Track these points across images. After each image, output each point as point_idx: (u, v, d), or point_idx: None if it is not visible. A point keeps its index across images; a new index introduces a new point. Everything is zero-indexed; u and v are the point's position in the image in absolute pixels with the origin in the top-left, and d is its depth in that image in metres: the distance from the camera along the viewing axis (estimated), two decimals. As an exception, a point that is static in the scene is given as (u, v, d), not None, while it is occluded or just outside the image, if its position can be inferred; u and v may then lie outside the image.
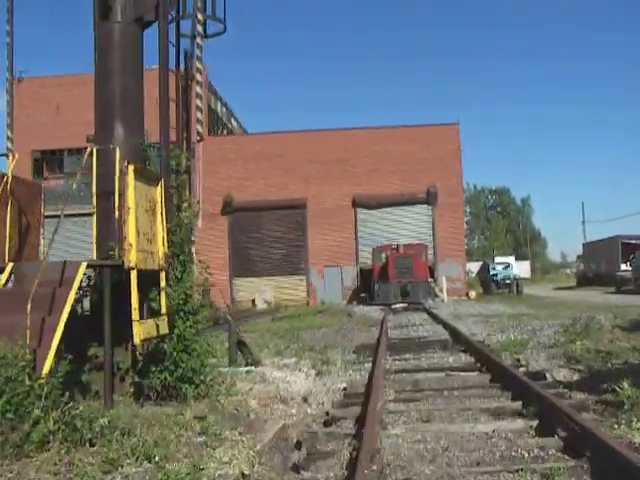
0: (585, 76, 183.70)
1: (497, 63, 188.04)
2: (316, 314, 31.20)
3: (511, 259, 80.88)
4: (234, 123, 60.46)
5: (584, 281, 66.70)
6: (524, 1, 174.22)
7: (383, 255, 40.99)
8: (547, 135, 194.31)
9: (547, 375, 10.59)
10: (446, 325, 20.31)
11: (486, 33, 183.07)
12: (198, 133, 10.57)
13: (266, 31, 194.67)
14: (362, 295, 45.37)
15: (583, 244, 72.99)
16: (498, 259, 76.25)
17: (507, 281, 51.14)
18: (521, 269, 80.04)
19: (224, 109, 56.75)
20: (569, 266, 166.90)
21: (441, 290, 43.25)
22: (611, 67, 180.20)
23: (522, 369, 11.27)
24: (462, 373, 11.23)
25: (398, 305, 35.79)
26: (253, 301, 47.12)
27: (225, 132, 56.47)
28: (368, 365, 12.42)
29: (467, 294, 46.76)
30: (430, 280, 39.20)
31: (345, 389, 10.30)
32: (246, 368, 11.05)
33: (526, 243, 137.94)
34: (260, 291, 47.16)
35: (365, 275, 45.20)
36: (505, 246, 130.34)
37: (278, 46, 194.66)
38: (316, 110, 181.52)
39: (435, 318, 24.37)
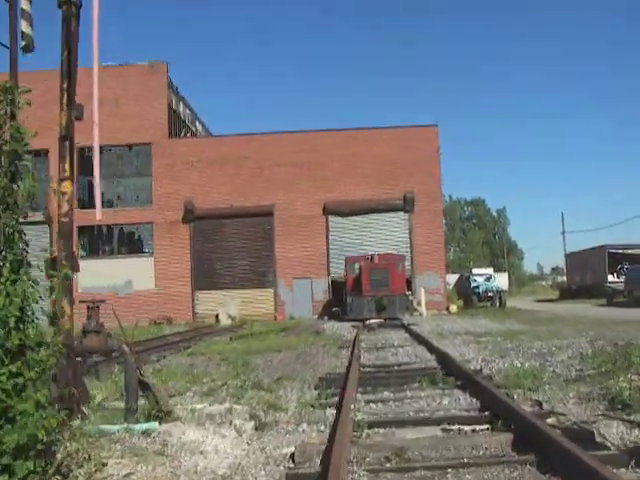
0: (558, 85, 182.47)
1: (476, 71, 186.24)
2: (280, 332, 27.56)
3: (489, 271, 77.74)
4: (199, 126, 56.82)
5: (567, 293, 63.71)
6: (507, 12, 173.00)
7: (356, 266, 37.49)
8: (522, 146, 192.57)
9: (594, 432, 7.06)
10: (431, 347, 16.76)
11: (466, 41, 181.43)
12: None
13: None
14: (334, 309, 41.83)
15: (566, 255, 70.09)
16: (476, 270, 73.20)
17: (489, 294, 47.90)
18: (499, 281, 77.00)
19: (187, 110, 53.10)
20: (545, 278, 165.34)
21: (419, 304, 39.82)
22: (589, 73, 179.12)
23: (550, 420, 7.78)
24: (467, 428, 7.66)
25: (373, 321, 32.32)
26: (217, 316, 43.34)
27: (189, 135, 52.81)
28: (332, 411, 8.84)
29: (447, 308, 43.40)
30: (408, 293, 35.77)
31: (293, 458, 6.70)
32: (145, 425, 7.35)
33: (503, 255, 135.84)
34: (224, 305, 43.40)
35: (337, 288, 41.67)
36: (482, 258, 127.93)
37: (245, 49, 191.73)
38: (286, 113, 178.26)
39: (416, 337, 20.81)
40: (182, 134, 50.00)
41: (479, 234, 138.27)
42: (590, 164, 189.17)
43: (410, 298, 34.94)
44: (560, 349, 14.83)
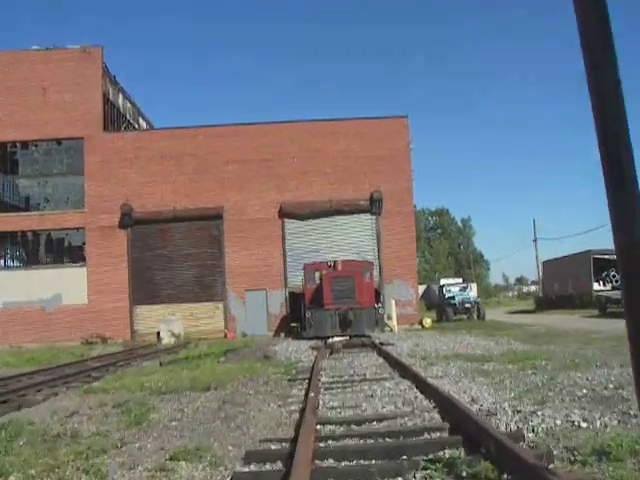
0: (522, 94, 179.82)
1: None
2: (221, 355, 22.13)
3: (459, 281, 73.00)
4: (143, 123, 51.16)
5: (545, 304, 59.12)
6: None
7: (316, 275, 32.18)
8: (483, 156, 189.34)
9: None
10: (421, 383, 11.51)
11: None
12: None
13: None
14: (292, 325, 36.51)
15: (543, 262, 65.48)
16: (444, 280, 68.51)
17: (466, 305, 42.97)
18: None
19: (128, 104, 47.44)
20: (511, 289, 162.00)
21: (390, 318, 34.64)
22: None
23: None
24: None
25: (337, 339, 27.07)
26: (158, 334, 37.69)
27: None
28: None
29: (420, 322, 38.29)
30: (377, 306, 30.51)
31: None
32: None
33: (469, 265, 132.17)
34: (166, 322, 37.74)
35: (296, 300, 36.21)
36: (447, 269, 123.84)
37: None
38: (242, 105, 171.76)
39: (395, 364, 15.46)
40: (122, 131, 44.23)
41: (444, 244, 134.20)
42: (556, 173, 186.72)
43: (380, 311, 29.80)
44: (623, 387, 9.72)
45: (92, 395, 13.80)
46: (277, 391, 12.09)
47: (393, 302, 35.63)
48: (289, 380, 13.83)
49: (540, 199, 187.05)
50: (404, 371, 13.79)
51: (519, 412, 8.54)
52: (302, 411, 9.19)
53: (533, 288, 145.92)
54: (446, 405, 8.95)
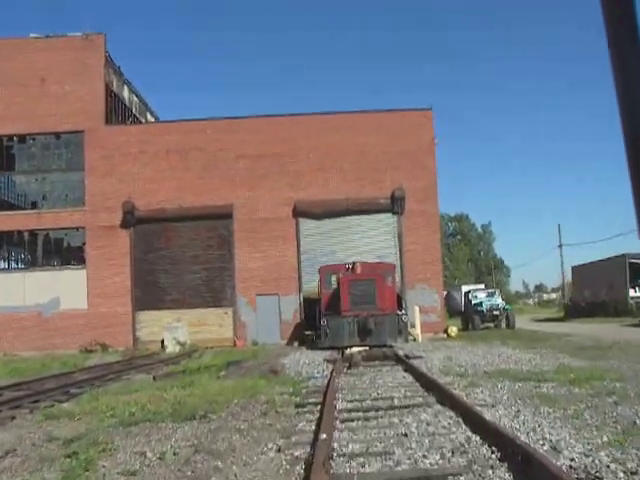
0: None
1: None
2: (223, 368, 19.26)
3: (480, 287, 69.80)
4: (151, 119, 48.47)
5: (574, 311, 55.77)
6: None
7: (333, 278, 29.29)
8: (505, 161, 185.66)
9: None
10: (469, 414, 8.59)
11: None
12: None
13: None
14: (307, 333, 33.59)
15: (572, 267, 62.08)
16: (466, 287, 65.32)
17: (495, 312, 39.85)
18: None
19: (134, 98, 44.78)
20: (531, 296, 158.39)
21: (413, 326, 31.66)
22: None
23: None
24: None
25: (355, 349, 24.18)
26: (162, 342, 34.91)
27: (135, 127, 44.46)
28: None
29: (446, 331, 35.25)
30: (401, 313, 27.50)
31: None
32: None
33: (488, 271, 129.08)
34: (170, 328, 34.94)
35: (311, 306, 33.27)
36: (467, 275, 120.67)
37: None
38: (254, 97, 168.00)
39: (430, 384, 12.50)
40: (127, 124, 41.52)
41: (464, 250, 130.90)
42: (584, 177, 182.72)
43: (404, 319, 26.79)
44: None
45: (52, 422, 11.10)
46: (279, 424, 9.17)
47: (417, 309, 32.65)
48: (296, 407, 10.91)
49: (561, 205, 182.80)
50: (441, 395, 10.87)
51: (636, 475, 5.60)
52: (309, 465, 6.29)
53: (554, 296, 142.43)
54: (520, 456, 6.03)
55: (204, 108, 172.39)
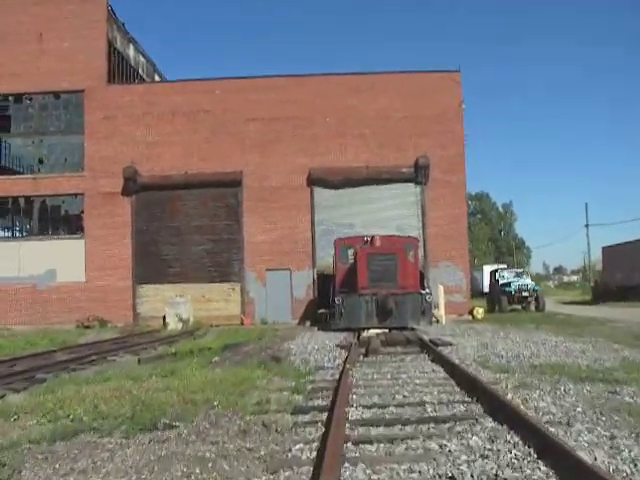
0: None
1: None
2: (219, 352, 16.54)
3: (502, 267, 66.87)
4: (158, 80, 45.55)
5: (604, 295, 52.60)
6: None
7: (350, 252, 26.44)
8: (527, 138, 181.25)
9: None
10: (543, 441, 5.76)
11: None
12: None
13: None
14: (320, 312, 30.74)
15: (603, 248, 58.75)
16: (488, 268, 62.37)
17: (524, 293, 36.84)
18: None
19: (141, 58, 41.89)
20: (550, 278, 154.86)
21: (436, 307, 28.79)
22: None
23: None
24: None
25: (373, 331, 21.45)
26: (164, 318, 32.33)
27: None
28: None
29: (471, 312, 32.39)
30: (425, 292, 24.59)
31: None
32: None
33: (509, 252, 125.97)
34: (173, 304, 32.31)
35: (325, 283, 30.44)
36: (487, 255, 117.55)
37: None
38: (271, 57, 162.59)
39: (469, 383, 9.62)
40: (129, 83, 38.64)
41: (485, 229, 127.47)
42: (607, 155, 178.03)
43: (428, 299, 23.84)
44: None
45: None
46: (263, 448, 6.35)
47: (441, 288, 29.78)
48: (295, 412, 8.13)
49: (586, 185, 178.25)
50: (490, 402, 8.04)
51: None
52: None
53: (574, 278, 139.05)
54: None
55: (215, 69, 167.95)
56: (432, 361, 13.68)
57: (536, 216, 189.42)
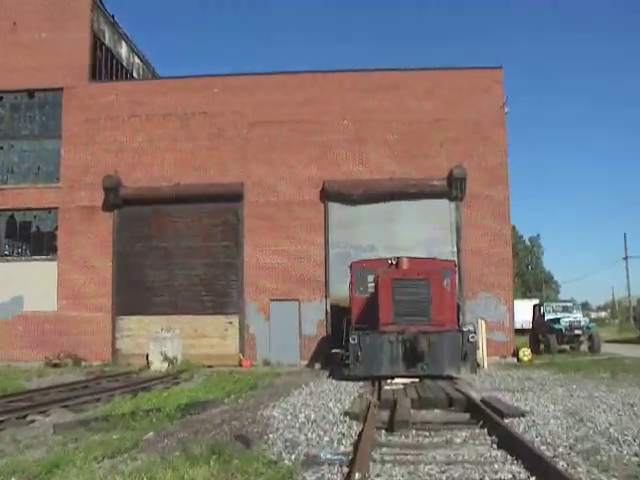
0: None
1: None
2: (169, 418, 11.08)
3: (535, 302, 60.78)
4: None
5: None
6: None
7: (370, 278, 21.01)
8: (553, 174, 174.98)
9: None
10: None
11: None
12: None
13: None
14: (334, 351, 24.98)
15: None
16: (518, 302, 56.38)
17: (576, 331, 31.05)
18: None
19: (135, 59, 36.99)
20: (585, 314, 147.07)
21: (477, 347, 23.08)
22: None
23: None
24: None
25: (398, 381, 15.99)
26: (148, 357, 26.97)
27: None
28: None
29: (515, 354, 26.77)
30: (467, 329, 18.97)
31: None
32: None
33: (537, 286, 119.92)
34: (157, 340, 26.94)
35: (341, 316, 24.77)
36: (515, 290, 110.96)
37: None
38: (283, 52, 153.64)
39: None
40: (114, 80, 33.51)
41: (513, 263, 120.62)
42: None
43: (471, 338, 18.13)
44: None
45: None
46: None
47: (483, 324, 24.14)
48: None
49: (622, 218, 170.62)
50: None
51: None
52: None
53: (603, 314, 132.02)
54: None
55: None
56: (500, 447, 8.20)
57: (562, 249, 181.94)
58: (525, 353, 26.65)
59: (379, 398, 13.25)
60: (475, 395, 13.28)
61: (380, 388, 15.11)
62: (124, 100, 29.89)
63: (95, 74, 30.88)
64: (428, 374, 17.44)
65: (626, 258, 77.37)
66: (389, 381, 16.93)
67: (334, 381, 18.25)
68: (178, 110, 29.46)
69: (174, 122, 29.47)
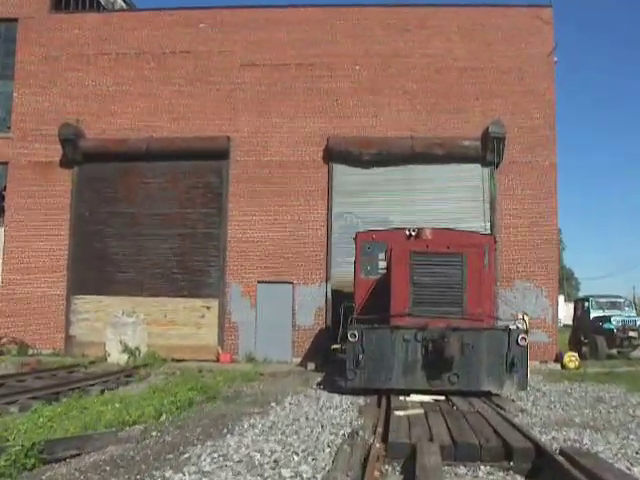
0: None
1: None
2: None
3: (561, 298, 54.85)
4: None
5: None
6: None
7: (381, 254, 15.71)
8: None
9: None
10: None
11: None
12: None
13: None
14: (334, 347, 19.46)
15: None
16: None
17: (631, 333, 25.57)
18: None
19: None
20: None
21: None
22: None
23: None
24: None
25: (416, 398, 10.87)
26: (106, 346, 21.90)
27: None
28: None
29: (559, 359, 21.48)
30: (515, 326, 13.59)
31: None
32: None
33: (559, 283, 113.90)
34: (116, 325, 21.82)
35: (345, 302, 19.38)
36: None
37: None
38: None
39: None
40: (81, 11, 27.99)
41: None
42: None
43: (521, 340, 12.74)
44: None
45: None
46: None
47: (526, 318, 18.68)
48: None
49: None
50: None
51: None
52: None
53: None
54: None
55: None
56: None
57: (583, 245, 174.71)
58: (571, 358, 21.30)
59: (385, 437, 7.98)
60: (543, 438, 8.01)
61: (389, 412, 9.87)
62: (90, 35, 24.75)
63: (57, 3, 25.63)
64: (459, 389, 12.19)
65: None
66: (402, 398, 11.70)
67: (325, 393, 13.00)
68: (155, 48, 24.27)
69: (149, 63, 24.28)
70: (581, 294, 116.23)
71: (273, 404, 11.01)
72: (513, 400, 12.53)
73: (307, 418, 9.24)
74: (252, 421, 9.00)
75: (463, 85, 23.27)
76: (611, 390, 14.49)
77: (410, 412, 9.94)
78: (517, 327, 13.29)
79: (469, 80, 23.28)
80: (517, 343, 12.43)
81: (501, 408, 10.96)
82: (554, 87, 23.48)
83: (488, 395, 12.29)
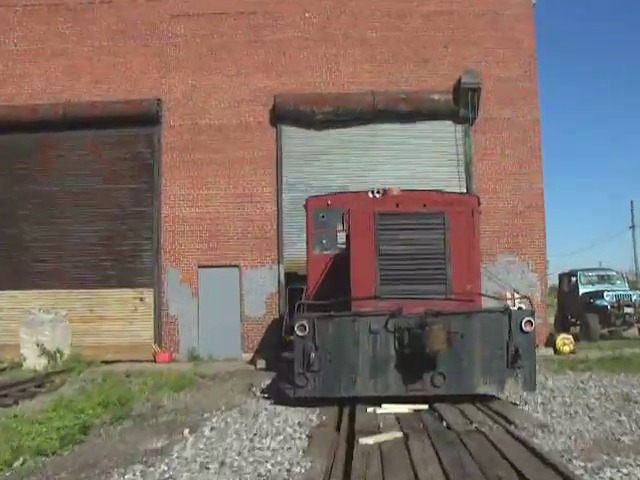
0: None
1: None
2: None
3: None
4: None
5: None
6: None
7: (339, 224, 12.54)
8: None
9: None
10: None
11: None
12: None
13: None
14: (288, 340, 16.28)
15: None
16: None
17: (626, 309, 22.67)
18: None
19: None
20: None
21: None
22: None
23: None
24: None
25: (390, 408, 7.66)
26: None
27: None
28: None
29: (551, 342, 18.60)
30: (517, 306, 10.48)
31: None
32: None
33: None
34: (31, 324, 18.44)
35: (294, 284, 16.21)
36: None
37: None
38: None
39: None
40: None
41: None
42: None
43: (526, 325, 9.85)
44: None
45: None
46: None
47: (516, 296, 15.58)
48: None
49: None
50: None
51: None
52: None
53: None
54: None
55: None
56: None
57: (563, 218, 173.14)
58: (565, 341, 18.43)
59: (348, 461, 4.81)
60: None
61: (352, 442, 6.71)
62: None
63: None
64: (446, 393, 9.08)
65: (632, 227, 69.41)
66: (372, 410, 8.57)
67: (268, 407, 9.78)
68: (69, -2, 20.74)
69: (64, 15, 20.76)
70: (550, 272, 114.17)
71: (186, 431, 7.75)
72: (516, 404, 9.47)
73: (222, 463, 5.96)
74: (128, 477, 5.70)
75: (430, 32, 20.14)
76: (633, 382, 11.50)
77: (382, 437, 6.79)
78: (520, 308, 10.15)
79: (436, 26, 20.16)
80: (521, 329, 9.31)
81: (508, 422, 7.85)
82: (535, 32, 20.48)
83: (483, 398, 9.23)
